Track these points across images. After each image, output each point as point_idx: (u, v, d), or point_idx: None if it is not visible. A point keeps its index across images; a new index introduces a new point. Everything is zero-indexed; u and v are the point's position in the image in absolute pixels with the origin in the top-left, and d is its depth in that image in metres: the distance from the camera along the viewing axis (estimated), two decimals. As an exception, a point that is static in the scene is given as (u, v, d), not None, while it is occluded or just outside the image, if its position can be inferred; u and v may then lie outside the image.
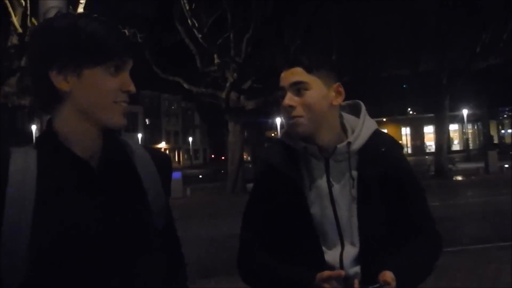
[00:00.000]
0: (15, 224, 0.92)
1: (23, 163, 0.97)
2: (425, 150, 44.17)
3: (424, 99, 23.77)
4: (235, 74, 16.73)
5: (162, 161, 1.15)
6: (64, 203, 0.96)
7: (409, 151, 48.03)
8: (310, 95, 1.32)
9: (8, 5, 10.80)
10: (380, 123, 46.39)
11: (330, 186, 1.34)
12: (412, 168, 1.43)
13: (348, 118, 1.43)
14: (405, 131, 49.09)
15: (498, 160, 20.95)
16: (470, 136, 45.97)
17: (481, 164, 21.33)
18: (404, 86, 27.43)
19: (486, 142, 44.08)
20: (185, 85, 17.53)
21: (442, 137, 20.26)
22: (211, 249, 7.46)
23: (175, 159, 66.76)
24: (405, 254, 1.32)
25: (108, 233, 0.98)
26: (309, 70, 1.33)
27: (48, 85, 0.98)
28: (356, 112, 1.44)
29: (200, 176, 29.49)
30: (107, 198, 1.00)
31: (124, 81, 1.02)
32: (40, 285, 0.94)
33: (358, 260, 1.32)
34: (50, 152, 1.00)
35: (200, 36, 16.09)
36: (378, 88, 25.77)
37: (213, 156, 74.96)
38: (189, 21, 15.81)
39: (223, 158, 52.82)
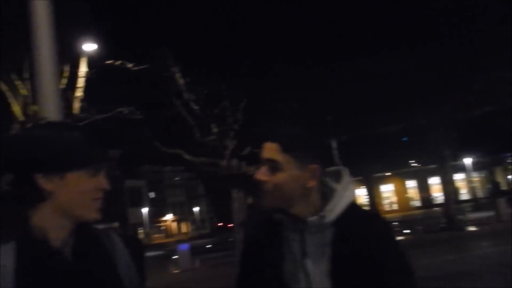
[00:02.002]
0: None
1: (1, 260, 1.04)
2: (433, 202, 43.51)
3: (424, 151, 23.81)
4: (234, 142, 16.91)
5: (134, 246, 1.25)
6: None
7: (419, 204, 47.37)
8: (281, 176, 1.29)
9: (9, 95, 11.16)
10: (384, 178, 46.22)
11: (304, 259, 1.30)
12: (397, 243, 1.34)
13: (330, 186, 1.38)
14: (410, 184, 48.65)
15: (508, 207, 20.64)
16: (477, 184, 45.45)
17: (491, 213, 20.94)
18: (403, 139, 27.52)
19: (494, 190, 43.50)
20: (186, 157, 17.66)
21: (448, 188, 20.09)
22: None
23: (182, 230, 65.73)
24: None
25: None
26: (284, 149, 1.30)
27: (33, 186, 1.08)
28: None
29: (208, 246, 28.85)
30: (82, 285, 1.08)
31: (100, 180, 1.15)
32: None
33: None
34: (27, 247, 1.07)
35: (197, 108, 16.47)
36: (377, 144, 25.88)
37: (220, 224, 73.78)
38: (184, 94, 16.26)
39: (229, 225, 51.95)
